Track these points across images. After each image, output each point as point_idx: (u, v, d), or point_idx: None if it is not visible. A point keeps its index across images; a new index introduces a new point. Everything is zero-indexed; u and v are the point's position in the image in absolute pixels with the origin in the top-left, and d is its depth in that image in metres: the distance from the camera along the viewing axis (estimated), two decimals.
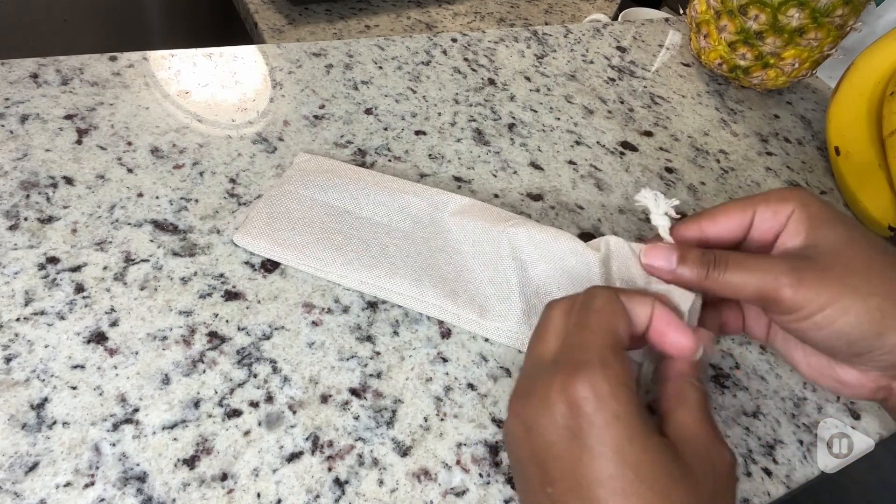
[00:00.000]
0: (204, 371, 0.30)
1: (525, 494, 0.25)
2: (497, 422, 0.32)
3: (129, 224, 0.35)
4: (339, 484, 0.28)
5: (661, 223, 0.32)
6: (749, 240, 0.31)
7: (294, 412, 0.30)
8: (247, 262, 0.35)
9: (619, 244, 0.33)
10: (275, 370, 0.31)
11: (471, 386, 0.33)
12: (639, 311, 0.27)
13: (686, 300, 0.30)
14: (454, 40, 0.59)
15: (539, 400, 0.24)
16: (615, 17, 0.89)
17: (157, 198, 0.37)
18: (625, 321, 0.26)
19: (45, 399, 0.28)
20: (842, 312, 0.26)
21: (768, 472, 0.33)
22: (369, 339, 0.33)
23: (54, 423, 0.27)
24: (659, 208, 0.32)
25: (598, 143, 0.51)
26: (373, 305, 0.35)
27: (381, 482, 0.28)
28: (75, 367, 0.29)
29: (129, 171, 0.38)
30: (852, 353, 0.28)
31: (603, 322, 0.26)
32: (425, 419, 0.31)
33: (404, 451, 0.30)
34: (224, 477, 0.27)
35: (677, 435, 0.24)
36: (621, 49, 0.65)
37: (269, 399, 0.30)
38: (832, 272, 0.27)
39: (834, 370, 0.30)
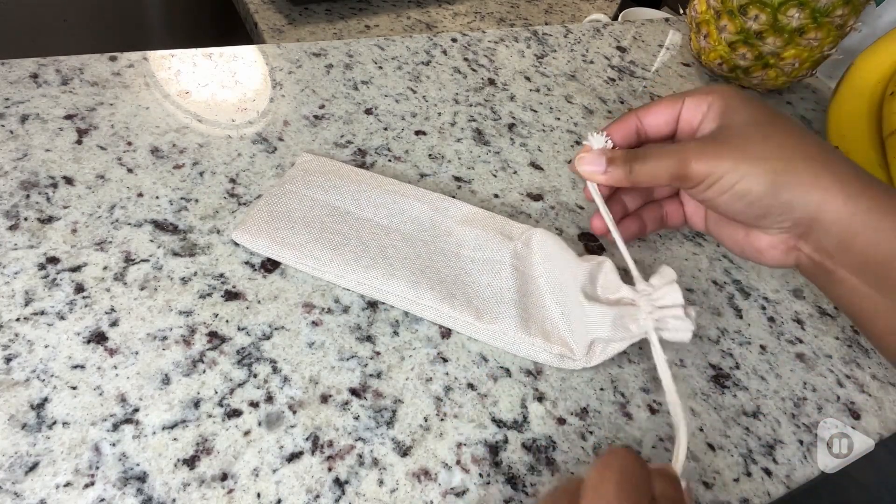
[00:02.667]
0: (204, 371, 0.30)
1: None
2: (497, 422, 0.32)
3: (129, 224, 0.35)
4: (339, 484, 0.28)
5: (598, 138, 0.36)
6: (679, 131, 0.35)
7: (294, 412, 0.30)
8: (247, 262, 0.35)
9: (608, 267, 0.34)
10: (275, 370, 0.31)
11: (471, 386, 0.33)
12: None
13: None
14: (454, 40, 0.59)
15: None
16: (615, 17, 0.89)
17: (157, 198, 0.37)
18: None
19: (45, 399, 0.28)
20: (739, 176, 0.30)
21: (768, 472, 0.33)
22: (369, 339, 0.33)
23: (54, 423, 0.27)
24: (597, 137, 0.36)
25: None
26: (373, 305, 0.35)
27: (381, 482, 0.28)
28: (75, 367, 0.29)
29: (129, 171, 0.38)
30: (755, 216, 0.32)
31: None
32: (425, 419, 0.31)
33: (404, 451, 0.30)
34: (224, 477, 0.27)
35: None
36: (621, 49, 0.65)
37: (269, 399, 0.30)
38: (731, 143, 0.31)
39: (749, 239, 0.34)
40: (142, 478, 0.27)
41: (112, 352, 0.30)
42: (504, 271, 0.36)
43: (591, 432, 0.32)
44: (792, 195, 0.30)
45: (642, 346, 0.37)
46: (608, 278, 0.33)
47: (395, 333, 0.34)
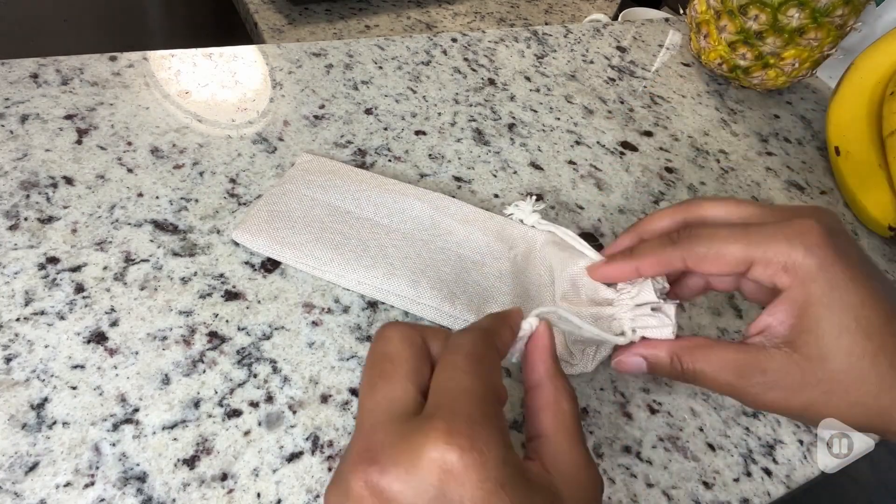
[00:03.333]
0: (204, 371, 0.30)
1: None
2: None
3: (129, 224, 0.35)
4: None
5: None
6: (742, 280, 0.29)
7: (294, 412, 0.30)
8: (247, 262, 0.35)
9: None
10: (275, 370, 0.31)
11: None
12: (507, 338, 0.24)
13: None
14: (454, 40, 0.59)
15: (402, 465, 0.18)
16: (615, 17, 0.89)
17: (157, 198, 0.37)
18: (497, 362, 0.23)
19: (45, 399, 0.28)
20: (819, 412, 0.26)
21: (768, 472, 0.33)
22: (369, 339, 0.33)
23: (54, 423, 0.27)
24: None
25: (598, 143, 0.51)
26: (373, 305, 0.35)
27: None
28: (75, 367, 0.29)
29: (129, 171, 0.38)
30: None
31: (479, 366, 0.21)
32: None
33: None
34: (224, 477, 0.27)
35: (550, 460, 0.22)
36: (621, 49, 0.65)
37: (269, 399, 0.30)
38: (817, 375, 0.25)
39: None
40: (142, 478, 0.27)
41: (112, 352, 0.30)
42: (505, 273, 0.36)
43: (591, 432, 0.32)
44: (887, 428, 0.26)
45: None
46: (588, 281, 0.33)
47: None
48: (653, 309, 0.30)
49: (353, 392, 0.31)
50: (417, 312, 0.35)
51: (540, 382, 0.24)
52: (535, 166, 0.47)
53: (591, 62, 0.62)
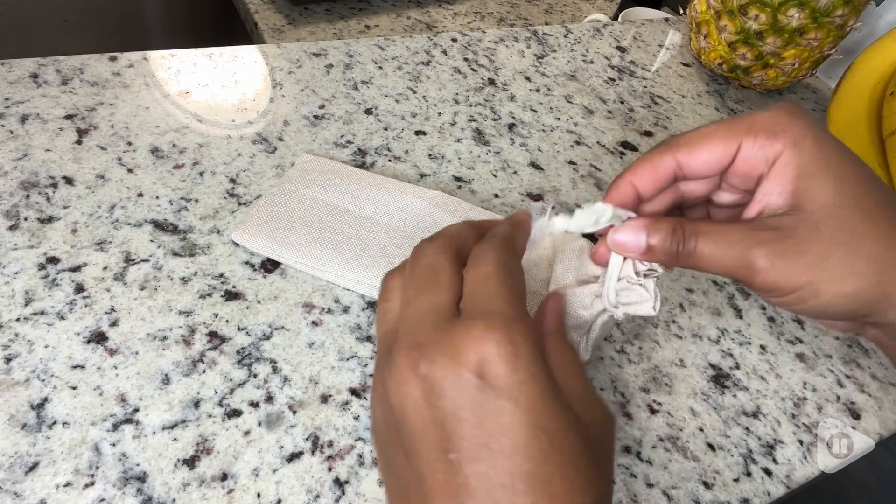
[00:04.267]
0: (204, 371, 0.30)
1: (412, 467, 0.21)
2: None
3: (129, 224, 0.35)
4: (339, 484, 0.28)
5: (607, 210, 0.28)
6: (731, 175, 0.27)
7: (294, 412, 0.30)
8: (247, 262, 0.35)
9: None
10: (275, 370, 0.31)
11: None
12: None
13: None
14: (454, 40, 0.59)
15: (447, 355, 0.20)
16: (615, 17, 0.89)
17: (157, 198, 0.37)
18: (520, 265, 0.25)
19: (45, 399, 0.28)
20: (814, 294, 0.24)
21: (768, 472, 0.33)
22: (369, 339, 0.33)
23: (54, 423, 0.27)
24: (601, 217, 0.28)
25: (598, 143, 0.51)
26: (373, 305, 0.35)
27: (381, 482, 0.28)
28: (75, 367, 0.29)
29: (129, 171, 0.38)
30: (832, 321, 0.28)
31: (506, 272, 0.23)
32: None
33: None
34: (224, 477, 0.27)
35: (567, 395, 0.22)
36: (621, 49, 0.65)
37: (269, 399, 0.30)
38: (809, 254, 0.24)
39: (814, 305, 0.27)
40: (142, 478, 0.27)
41: (112, 352, 0.30)
42: None
43: None
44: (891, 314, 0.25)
45: (642, 346, 0.37)
46: (574, 261, 0.33)
47: None
48: (634, 282, 0.29)
49: (354, 392, 0.31)
50: None
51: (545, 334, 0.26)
52: (535, 166, 0.47)
53: (591, 62, 0.62)
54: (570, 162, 0.48)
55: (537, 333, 0.22)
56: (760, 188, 0.26)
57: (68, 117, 0.40)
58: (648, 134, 0.54)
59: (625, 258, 0.29)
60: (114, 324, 0.31)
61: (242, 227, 0.36)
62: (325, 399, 0.31)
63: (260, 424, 0.29)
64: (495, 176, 0.45)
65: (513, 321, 0.21)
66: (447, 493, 0.20)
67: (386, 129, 0.46)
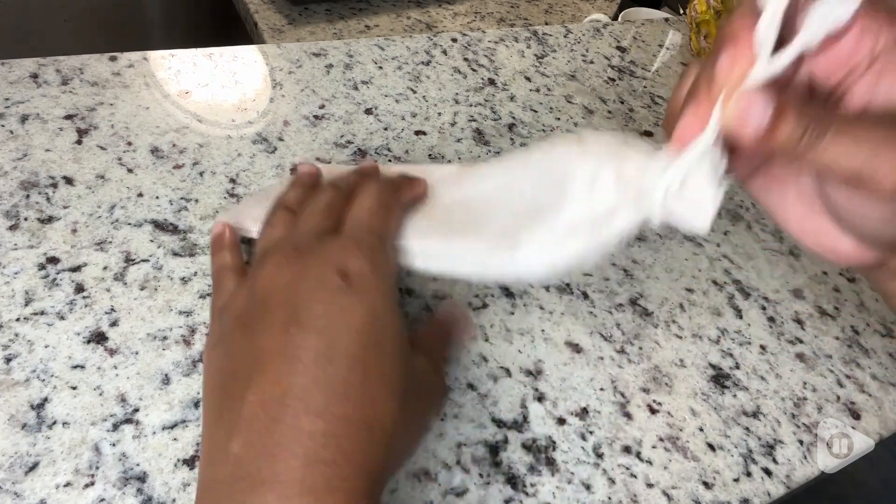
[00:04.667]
0: None
1: (252, 343, 0.24)
2: (497, 422, 0.32)
3: (129, 224, 0.35)
4: None
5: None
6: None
7: None
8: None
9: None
10: None
11: (471, 386, 0.33)
12: None
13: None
14: (454, 40, 0.59)
15: (320, 257, 0.25)
16: (615, 17, 0.89)
17: (157, 198, 0.37)
18: (397, 213, 0.30)
19: (45, 399, 0.28)
20: None
21: (768, 472, 0.33)
22: None
23: (54, 423, 0.27)
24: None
25: None
26: None
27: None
28: (75, 367, 0.29)
29: (129, 171, 0.38)
30: None
31: (384, 211, 0.29)
32: None
33: None
34: None
35: (416, 346, 0.27)
36: (621, 49, 0.65)
37: None
38: None
39: (834, 240, 0.25)
40: (142, 478, 0.27)
41: (112, 352, 0.30)
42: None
43: (591, 432, 0.32)
44: None
45: (642, 346, 0.37)
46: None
47: None
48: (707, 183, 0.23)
49: None
50: (437, 268, 0.29)
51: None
52: None
53: (591, 62, 0.62)
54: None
55: (393, 265, 0.28)
56: (876, 82, 0.21)
57: (68, 117, 0.40)
58: (648, 134, 0.54)
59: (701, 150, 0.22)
60: (114, 324, 0.31)
61: (226, 213, 0.36)
62: None
63: None
64: None
65: (377, 248, 0.26)
66: (280, 358, 0.23)
67: (386, 129, 0.47)
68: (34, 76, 0.42)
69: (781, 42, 0.21)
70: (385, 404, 0.23)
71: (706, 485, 0.32)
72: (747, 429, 0.35)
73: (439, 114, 0.49)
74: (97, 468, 0.26)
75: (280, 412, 0.21)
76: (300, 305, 0.24)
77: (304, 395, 0.22)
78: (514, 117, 0.51)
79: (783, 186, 0.26)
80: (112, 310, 0.32)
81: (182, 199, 0.37)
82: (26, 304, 0.31)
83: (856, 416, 0.37)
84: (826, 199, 0.24)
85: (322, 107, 0.47)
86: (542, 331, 0.36)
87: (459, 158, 0.46)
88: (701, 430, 0.34)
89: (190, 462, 0.27)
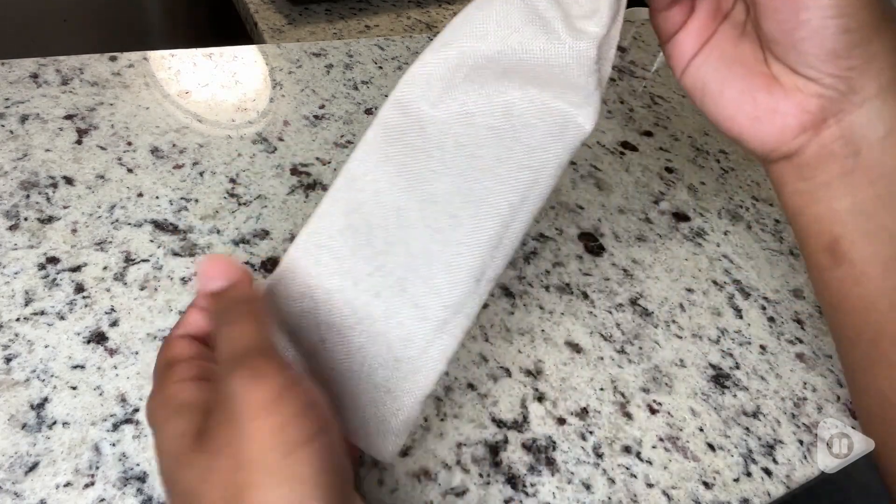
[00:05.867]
0: None
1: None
2: (497, 422, 0.32)
3: (129, 224, 0.35)
4: None
5: None
6: None
7: None
8: (247, 263, 0.35)
9: None
10: None
11: (471, 386, 0.33)
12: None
13: None
14: None
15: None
16: None
17: (157, 198, 0.37)
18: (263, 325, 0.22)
19: (45, 399, 0.28)
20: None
21: (768, 472, 0.33)
22: None
23: (54, 423, 0.27)
24: None
25: (598, 143, 0.51)
26: None
27: (380, 482, 0.28)
28: (75, 367, 0.29)
29: (129, 171, 0.38)
30: (831, 46, 0.24)
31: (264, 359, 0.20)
32: (425, 419, 0.31)
33: (404, 451, 0.30)
34: None
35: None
36: (621, 49, 0.65)
37: None
38: None
39: (766, 91, 0.27)
40: (142, 478, 0.27)
41: (112, 352, 0.30)
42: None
43: (591, 432, 0.32)
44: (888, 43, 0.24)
45: (642, 346, 0.37)
46: None
47: None
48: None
49: None
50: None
51: None
52: None
53: None
54: (570, 162, 0.48)
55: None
56: None
57: (68, 117, 0.40)
58: (648, 134, 0.54)
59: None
60: (114, 324, 0.31)
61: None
62: None
63: None
64: None
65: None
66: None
67: None
68: (34, 76, 0.42)
69: None
70: None
71: (706, 485, 0.32)
72: (747, 429, 0.35)
73: None
74: (97, 468, 0.26)
75: None
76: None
77: None
78: None
79: (720, 62, 0.29)
80: (112, 310, 0.32)
81: (182, 199, 0.37)
82: (26, 304, 0.31)
83: (856, 416, 0.37)
84: (767, 42, 0.26)
85: (322, 107, 0.47)
86: (542, 331, 0.36)
87: None
88: (701, 430, 0.34)
89: None
